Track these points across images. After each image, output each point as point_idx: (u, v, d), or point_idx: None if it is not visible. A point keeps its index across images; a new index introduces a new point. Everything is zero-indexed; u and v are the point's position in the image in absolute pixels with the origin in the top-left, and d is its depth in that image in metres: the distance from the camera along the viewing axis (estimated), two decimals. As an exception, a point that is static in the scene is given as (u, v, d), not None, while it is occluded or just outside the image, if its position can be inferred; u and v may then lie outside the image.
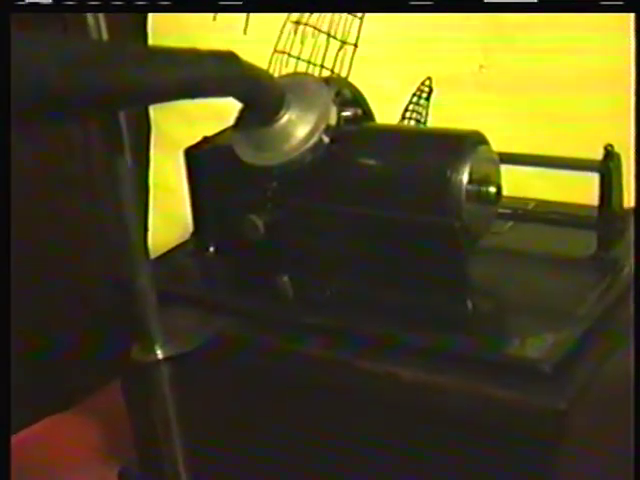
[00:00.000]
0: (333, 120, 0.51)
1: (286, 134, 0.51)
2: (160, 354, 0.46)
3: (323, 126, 0.51)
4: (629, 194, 0.56)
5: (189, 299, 0.54)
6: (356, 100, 0.55)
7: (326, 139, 0.51)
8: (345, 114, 0.53)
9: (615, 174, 0.52)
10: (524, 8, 0.55)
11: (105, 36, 0.43)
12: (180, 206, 0.60)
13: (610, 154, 0.52)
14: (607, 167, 0.52)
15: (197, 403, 0.50)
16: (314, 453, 0.51)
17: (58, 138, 0.74)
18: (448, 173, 0.48)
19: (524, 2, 0.54)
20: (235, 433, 0.54)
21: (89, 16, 0.44)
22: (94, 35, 0.43)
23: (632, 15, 0.54)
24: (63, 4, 0.49)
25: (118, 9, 0.72)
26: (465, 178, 0.48)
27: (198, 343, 0.48)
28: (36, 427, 0.73)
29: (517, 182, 0.54)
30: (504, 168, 0.51)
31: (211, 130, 0.59)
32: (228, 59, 0.47)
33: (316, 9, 0.73)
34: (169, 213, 0.77)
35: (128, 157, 0.45)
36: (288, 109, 0.51)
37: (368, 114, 0.56)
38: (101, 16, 0.44)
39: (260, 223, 0.53)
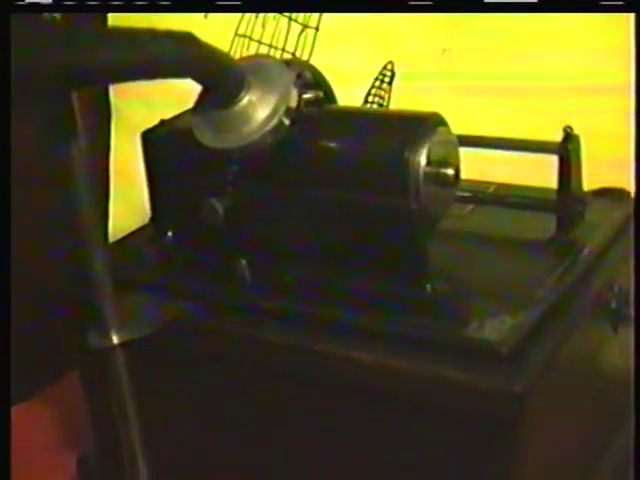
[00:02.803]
0: (294, 102, 0.51)
1: (246, 116, 0.50)
2: (116, 339, 0.45)
3: (283, 108, 0.50)
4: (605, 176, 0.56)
5: (146, 284, 0.54)
6: (317, 82, 0.55)
7: (286, 121, 0.50)
8: (306, 96, 0.53)
9: (574, 156, 0.52)
10: (524, 8, 0.54)
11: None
12: (141, 192, 0.59)
13: (569, 136, 0.52)
14: (566, 149, 0.52)
15: (154, 388, 0.49)
16: (273, 437, 0.51)
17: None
18: (406, 155, 0.48)
19: (524, 2, 0.54)
20: (193, 418, 0.54)
21: (45, 14, 0.43)
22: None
23: (632, 15, 0.54)
24: (63, 4, 0.48)
25: (117, 9, 0.71)
26: (423, 160, 0.48)
27: (155, 328, 0.47)
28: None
29: (477, 165, 0.54)
30: (464, 151, 0.51)
31: (172, 114, 0.58)
32: (186, 40, 0.46)
33: (316, 9, 0.72)
34: (130, 199, 0.76)
35: (82, 142, 0.44)
36: (248, 91, 0.50)
37: (330, 96, 0.55)
38: (57, 15, 0.43)
39: (220, 207, 0.53)
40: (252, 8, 0.73)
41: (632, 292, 0.52)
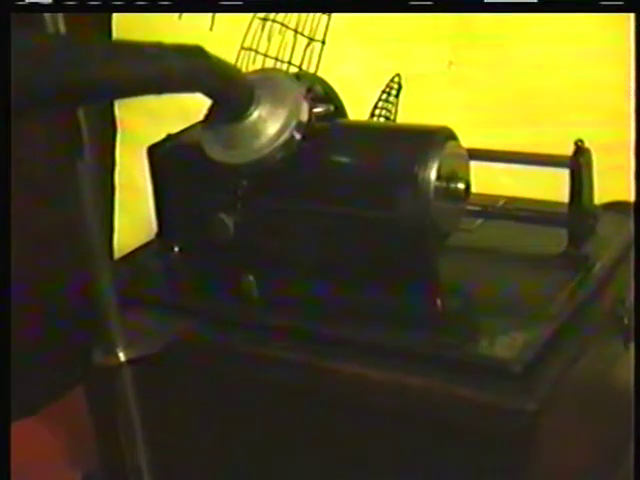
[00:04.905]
0: (304, 116, 0.50)
1: (256, 131, 0.50)
2: (122, 357, 0.45)
3: (294, 123, 0.50)
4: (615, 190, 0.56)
5: (152, 300, 0.53)
6: (328, 96, 0.54)
7: (297, 136, 0.50)
8: (317, 110, 0.52)
9: (585, 170, 0.52)
10: (525, 8, 0.54)
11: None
12: (147, 206, 0.59)
13: (580, 150, 0.51)
14: (577, 163, 0.51)
15: (161, 406, 0.49)
16: (281, 455, 0.51)
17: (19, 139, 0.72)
18: (416, 169, 0.47)
19: (524, 2, 0.54)
20: (199, 436, 0.53)
21: (46, 15, 0.43)
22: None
23: (632, 15, 0.54)
24: (63, 4, 0.48)
25: (117, 9, 0.71)
26: (433, 174, 0.47)
27: (161, 345, 0.47)
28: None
29: (487, 179, 0.53)
30: (474, 165, 0.51)
31: (178, 128, 0.58)
32: (195, 53, 0.46)
33: (316, 9, 0.72)
34: (136, 213, 0.76)
35: (88, 156, 0.44)
36: (258, 105, 0.50)
37: (340, 110, 0.55)
38: (59, 15, 0.43)
39: (230, 222, 0.52)
40: (251, 8, 0.72)
41: (632, 289, 0.51)
